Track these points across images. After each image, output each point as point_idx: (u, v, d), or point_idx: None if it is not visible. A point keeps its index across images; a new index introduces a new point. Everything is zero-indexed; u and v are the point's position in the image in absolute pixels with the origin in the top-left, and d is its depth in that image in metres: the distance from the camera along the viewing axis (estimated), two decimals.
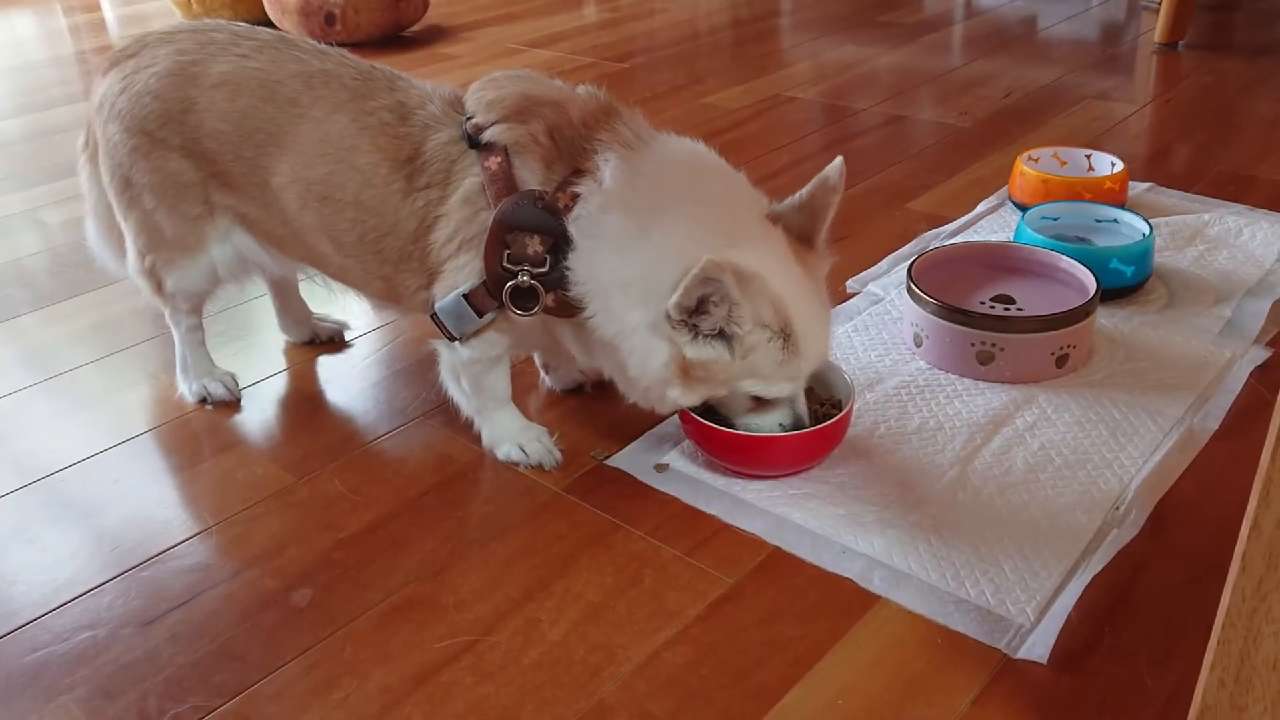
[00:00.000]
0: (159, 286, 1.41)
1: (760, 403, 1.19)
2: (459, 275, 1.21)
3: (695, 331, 1.10)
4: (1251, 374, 1.42)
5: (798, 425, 1.21)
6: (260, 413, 1.47)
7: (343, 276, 1.35)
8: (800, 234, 1.19)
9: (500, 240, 1.16)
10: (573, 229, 1.14)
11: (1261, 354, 1.46)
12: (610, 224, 1.13)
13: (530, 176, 1.17)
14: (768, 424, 1.21)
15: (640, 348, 1.13)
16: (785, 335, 1.12)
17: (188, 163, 1.32)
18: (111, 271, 1.53)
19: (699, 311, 1.09)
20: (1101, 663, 1.00)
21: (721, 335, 1.11)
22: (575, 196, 1.15)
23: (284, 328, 1.64)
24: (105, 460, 1.38)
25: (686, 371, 1.12)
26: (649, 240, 1.12)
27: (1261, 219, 1.84)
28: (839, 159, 1.17)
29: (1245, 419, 1.34)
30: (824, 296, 1.20)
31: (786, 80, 2.86)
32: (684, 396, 1.15)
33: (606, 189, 1.14)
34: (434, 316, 1.24)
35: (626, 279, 1.13)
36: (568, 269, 1.15)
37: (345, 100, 1.25)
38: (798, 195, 1.19)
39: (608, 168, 1.14)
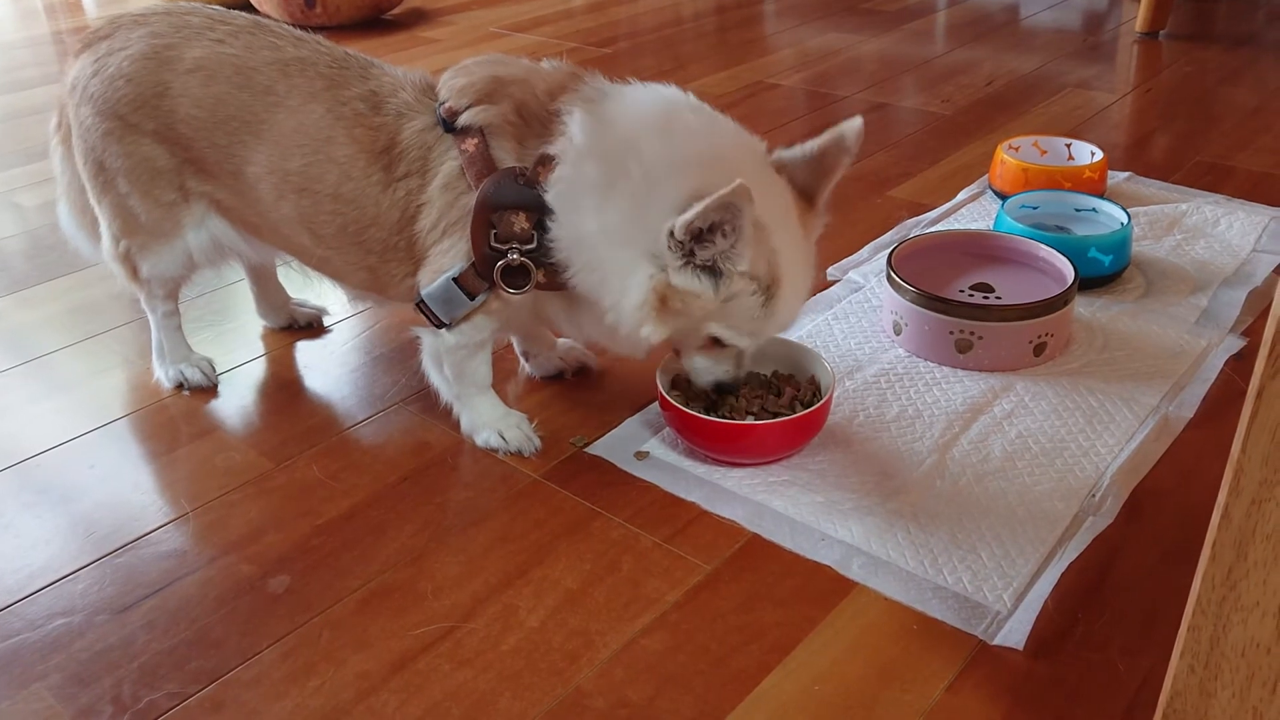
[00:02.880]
0: (134, 272, 1.40)
1: (715, 345, 1.19)
2: (445, 260, 1.20)
3: (689, 260, 1.08)
4: (1227, 362, 1.43)
5: (733, 383, 1.23)
6: (238, 398, 1.46)
7: (323, 267, 1.34)
8: (803, 190, 1.16)
9: (486, 221, 1.16)
10: (549, 196, 1.13)
11: (1237, 343, 1.47)
12: (585, 177, 1.11)
13: (506, 155, 1.17)
14: (716, 369, 1.22)
15: (618, 283, 1.11)
16: (768, 294, 1.12)
17: (161, 148, 1.30)
18: (85, 254, 1.52)
19: (701, 239, 1.06)
20: (1075, 649, 1.01)
21: (711, 270, 1.09)
22: (551, 162, 1.14)
23: (262, 313, 1.63)
24: (81, 445, 1.37)
25: (664, 302, 1.10)
26: (627, 182, 1.10)
27: (1239, 209, 1.85)
28: (858, 118, 1.14)
29: (1220, 407, 1.35)
30: (813, 263, 1.19)
31: (769, 67, 2.85)
32: (654, 331, 1.12)
33: (577, 144, 1.12)
34: (420, 304, 1.23)
35: (607, 225, 1.11)
36: (550, 240, 1.14)
37: (321, 89, 1.24)
38: (805, 147, 1.16)
39: (573, 123, 1.13)
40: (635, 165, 1.10)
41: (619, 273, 1.11)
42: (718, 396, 1.26)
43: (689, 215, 1.04)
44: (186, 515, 1.23)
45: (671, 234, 1.06)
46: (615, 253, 1.11)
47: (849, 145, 1.14)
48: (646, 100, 1.17)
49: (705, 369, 1.23)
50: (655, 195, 1.09)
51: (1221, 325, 1.51)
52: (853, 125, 1.14)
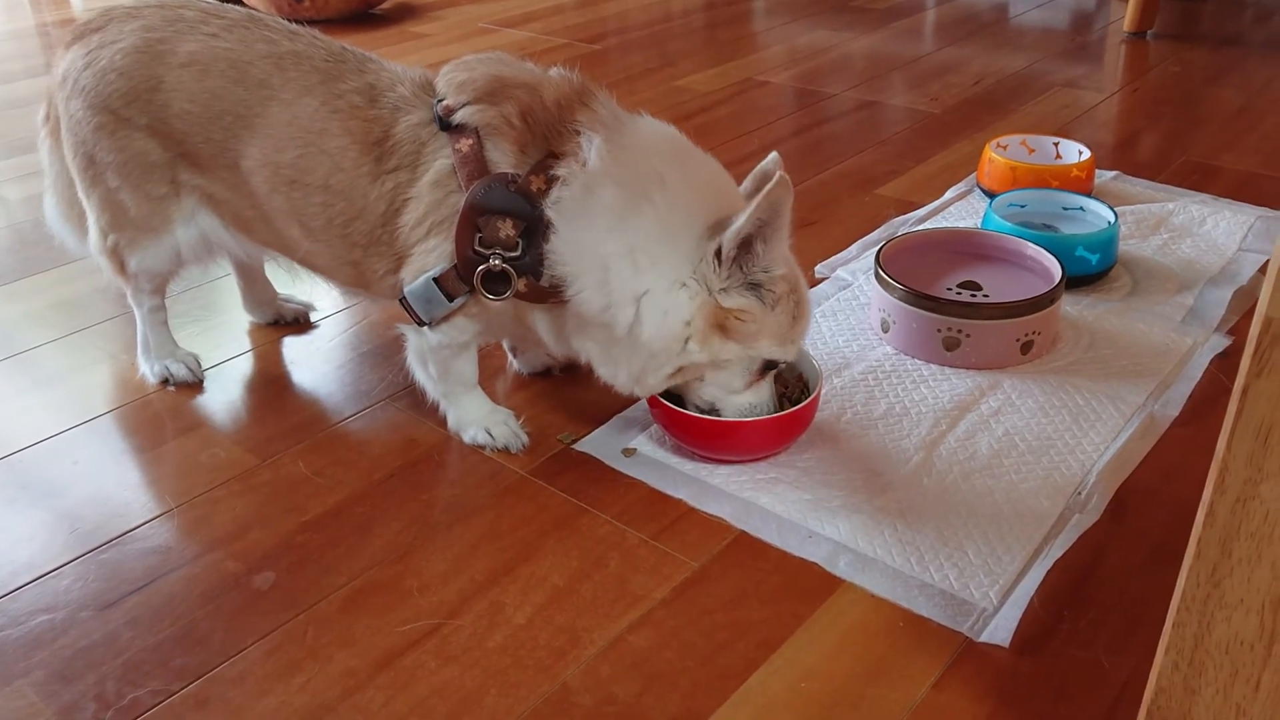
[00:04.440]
0: (121, 266, 1.39)
1: (760, 374, 1.22)
2: (429, 258, 1.19)
3: (734, 276, 1.12)
4: (1212, 361, 1.43)
5: (770, 399, 1.25)
6: (224, 394, 1.46)
7: (310, 261, 1.33)
8: None
9: (472, 224, 1.15)
10: (551, 212, 1.13)
11: (1222, 341, 1.48)
12: (599, 202, 1.12)
13: (502, 159, 1.16)
14: (760, 399, 1.23)
15: (656, 308, 1.12)
16: (796, 297, 1.17)
17: (154, 142, 1.29)
18: (71, 248, 1.51)
19: (742, 253, 1.10)
20: (1061, 646, 1.01)
21: (753, 287, 1.13)
22: (552, 180, 1.14)
23: (249, 309, 1.62)
24: (65, 441, 1.36)
25: (719, 324, 1.13)
26: (651, 209, 1.12)
27: (1225, 208, 1.86)
28: (773, 154, 1.21)
29: (1205, 406, 1.35)
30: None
31: (759, 64, 2.85)
32: (701, 351, 1.15)
33: (592, 169, 1.12)
34: (403, 301, 1.22)
35: (626, 250, 1.12)
36: (549, 252, 1.14)
37: (316, 83, 1.24)
38: (742, 186, 1.22)
39: (592, 148, 1.13)
40: (659, 194, 1.12)
41: (653, 298, 1.12)
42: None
43: (739, 224, 1.09)
44: (171, 511, 1.22)
45: (718, 253, 1.10)
46: (639, 279, 1.12)
47: (771, 172, 1.17)
48: (657, 133, 1.20)
49: (754, 402, 1.23)
50: (681, 226, 1.12)
51: (1207, 324, 1.52)
52: (769, 159, 1.20)
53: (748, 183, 1.21)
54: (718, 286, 1.12)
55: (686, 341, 1.14)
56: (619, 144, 1.14)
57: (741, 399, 1.22)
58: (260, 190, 1.27)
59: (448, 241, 1.17)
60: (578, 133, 1.14)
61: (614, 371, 1.20)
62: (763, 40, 3.11)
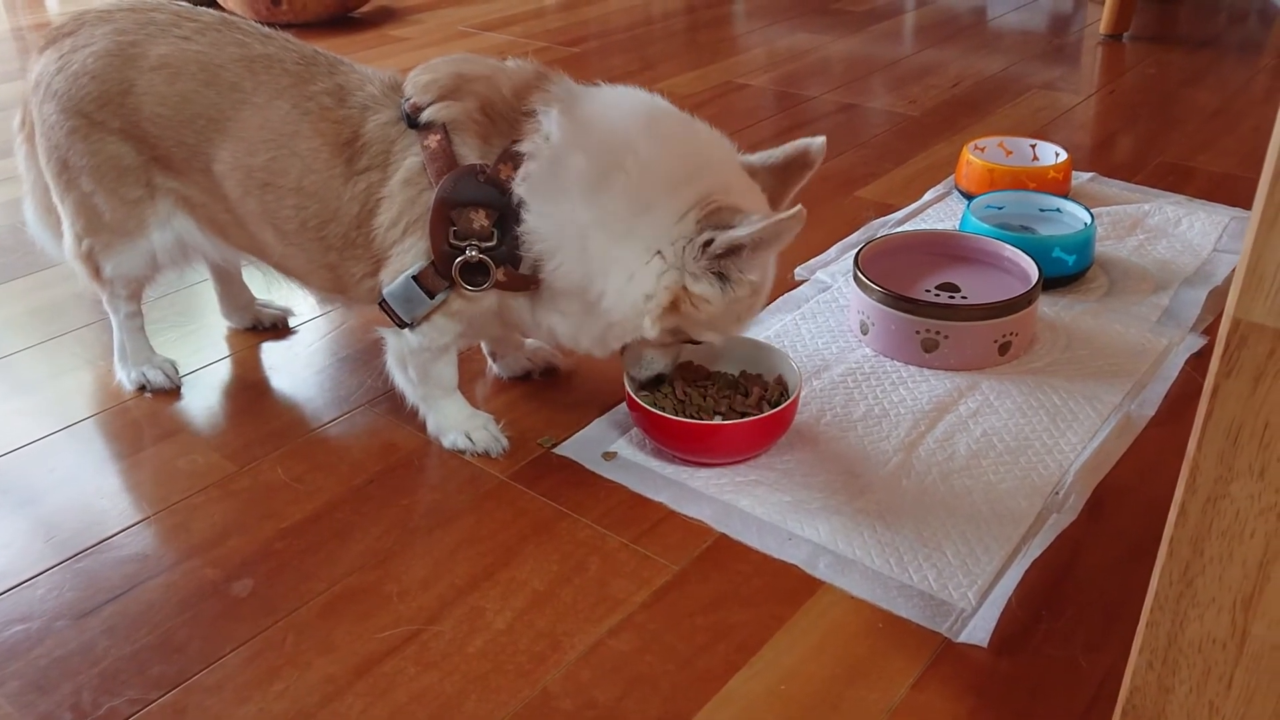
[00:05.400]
0: (96, 271, 1.38)
1: (672, 340, 1.22)
2: (406, 258, 1.19)
3: (709, 268, 1.12)
4: (1187, 361, 1.45)
5: (666, 373, 1.28)
6: (202, 400, 1.45)
7: (286, 266, 1.33)
8: (769, 196, 1.20)
9: (445, 218, 1.15)
10: (522, 190, 1.13)
11: (1197, 341, 1.49)
12: (571, 170, 1.12)
13: (469, 152, 1.17)
14: (660, 362, 1.26)
15: (621, 276, 1.12)
16: (753, 300, 1.17)
17: (127, 146, 1.29)
18: (52, 255, 1.50)
19: (729, 253, 1.10)
20: (1038, 645, 1.02)
21: (722, 276, 1.13)
22: (518, 160, 1.14)
23: (226, 314, 1.62)
24: (41, 448, 1.35)
25: (675, 305, 1.13)
26: (625, 175, 1.11)
27: (1199, 209, 1.88)
28: (822, 139, 1.19)
29: (1181, 405, 1.36)
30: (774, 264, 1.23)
31: (739, 67, 2.86)
32: (652, 328, 1.15)
33: (555, 141, 1.13)
34: (383, 303, 1.22)
35: (600, 218, 1.12)
36: (525, 232, 1.14)
37: (287, 86, 1.23)
38: (771, 154, 1.21)
39: (550, 122, 1.14)
40: (632, 161, 1.11)
41: (621, 263, 1.12)
42: (655, 389, 1.30)
43: (739, 233, 1.08)
44: (149, 519, 1.22)
45: (706, 245, 1.10)
46: (615, 245, 1.12)
47: (812, 159, 1.20)
48: (624, 100, 1.19)
49: (653, 361, 1.26)
50: (659, 196, 1.11)
51: (1182, 324, 1.53)
52: (817, 142, 1.19)
53: (780, 152, 1.20)
54: (690, 269, 1.12)
55: (643, 316, 1.14)
56: (579, 114, 1.15)
57: (649, 355, 1.25)
58: (233, 194, 1.26)
59: (423, 240, 1.18)
60: (535, 113, 1.15)
61: (578, 338, 1.21)
62: (743, 43, 3.12)
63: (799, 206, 1.05)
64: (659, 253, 1.12)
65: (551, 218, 1.13)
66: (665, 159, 1.13)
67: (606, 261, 1.12)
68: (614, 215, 1.12)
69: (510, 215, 1.15)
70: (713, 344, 1.25)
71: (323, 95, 1.22)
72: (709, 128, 1.21)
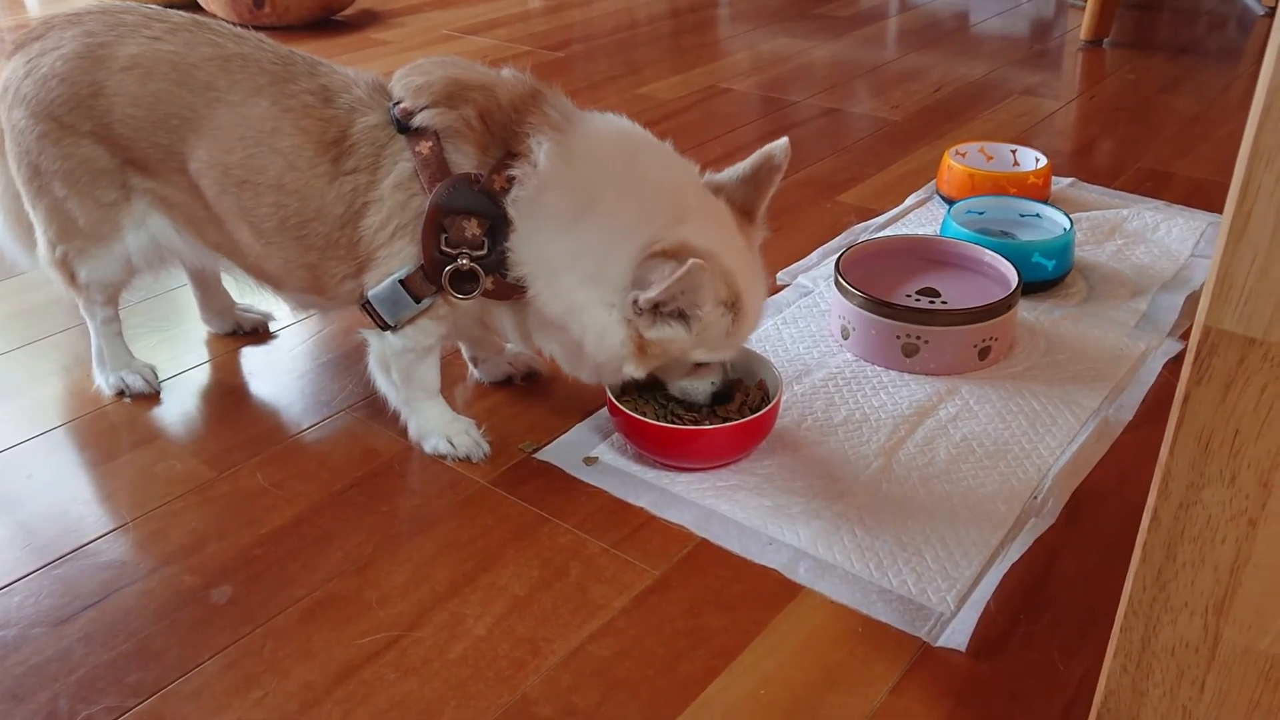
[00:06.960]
0: (72, 277, 1.37)
1: (697, 367, 1.24)
2: (394, 262, 1.19)
3: (656, 317, 1.13)
4: (1165, 366, 1.46)
5: (726, 386, 1.27)
6: (181, 406, 1.44)
7: (262, 266, 1.31)
8: (742, 207, 1.22)
9: (437, 224, 1.16)
10: (511, 210, 1.15)
11: (1175, 346, 1.50)
12: (550, 205, 1.14)
13: (464, 160, 1.17)
14: (702, 387, 1.26)
15: (594, 325, 1.15)
16: (734, 308, 1.16)
17: (100, 148, 1.28)
18: (21, 264, 1.48)
19: (660, 306, 1.12)
20: (1017, 649, 1.02)
21: (679, 315, 1.14)
22: (510, 179, 1.15)
23: (206, 319, 1.61)
24: (18, 454, 1.34)
25: (643, 350, 1.15)
26: (592, 219, 1.14)
27: (1178, 214, 1.89)
28: (784, 139, 1.20)
29: (1158, 409, 1.37)
30: (761, 264, 1.23)
31: (722, 71, 2.87)
32: (637, 370, 1.18)
33: (542, 171, 1.14)
34: (366, 305, 1.22)
35: (571, 257, 1.14)
36: (508, 250, 1.16)
37: (265, 84, 1.23)
38: (739, 168, 1.22)
39: (540, 150, 1.14)
40: (600, 205, 1.14)
41: (589, 309, 1.15)
42: (713, 406, 1.29)
43: (651, 294, 1.10)
44: (127, 525, 1.21)
45: (635, 305, 1.12)
46: (582, 288, 1.15)
47: (778, 163, 1.21)
48: (606, 132, 1.21)
49: (697, 388, 1.26)
50: (615, 242, 1.14)
51: (1160, 329, 1.54)
52: (780, 144, 1.21)
53: (747, 164, 1.22)
54: (641, 323, 1.14)
55: (624, 360, 1.16)
56: (567, 146, 1.16)
57: (695, 384, 1.25)
58: (210, 192, 1.26)
59: (413, 244, 1.18)
60: (529, 135, 1.16)
61: (578, 367, 1.24)
62: (726, 47, 3.12)
63: (690, 261, 1.05)
64: (614, 305, 1.14)
65: (531, 246, 1.15)
66: (631, 202, 1.15)
67: (576, 304, 1.15)
68: (581, 255, 1.14)
69: (501, 225, 1.15)
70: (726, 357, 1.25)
71: (306, 94, 1.22)
72: (671, 152, 1.23)
